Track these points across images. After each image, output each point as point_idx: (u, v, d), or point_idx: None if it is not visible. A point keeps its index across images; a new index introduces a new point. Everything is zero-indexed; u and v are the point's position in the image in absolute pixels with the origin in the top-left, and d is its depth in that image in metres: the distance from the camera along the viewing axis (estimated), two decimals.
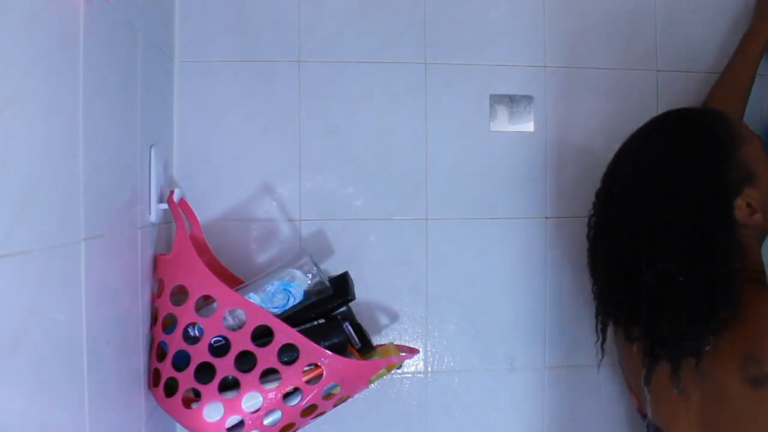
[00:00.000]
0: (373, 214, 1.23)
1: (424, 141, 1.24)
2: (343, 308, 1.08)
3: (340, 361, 0.93)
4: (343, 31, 1.22)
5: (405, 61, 1.24)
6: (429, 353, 1.26)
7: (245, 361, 0.92)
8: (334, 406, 1.00)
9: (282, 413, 0.93)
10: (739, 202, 0.89)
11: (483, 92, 1.26)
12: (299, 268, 1.03)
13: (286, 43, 1.21)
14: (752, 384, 0.83)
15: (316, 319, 1.04)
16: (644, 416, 1.04)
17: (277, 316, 0.96)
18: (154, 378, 0.96)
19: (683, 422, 0.94)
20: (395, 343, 1.17)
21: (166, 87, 1.14)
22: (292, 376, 0.92)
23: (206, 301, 0.98)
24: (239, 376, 0.92)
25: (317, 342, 0.93)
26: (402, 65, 1.24)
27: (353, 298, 1.08)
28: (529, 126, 1.27)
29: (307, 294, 1.02)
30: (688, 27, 1.31)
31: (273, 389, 0.92)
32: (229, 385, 0.93)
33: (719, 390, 0.87)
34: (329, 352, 0.92)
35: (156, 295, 0.98)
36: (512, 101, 1.27)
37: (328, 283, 1.05)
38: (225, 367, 0.92)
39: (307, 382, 0.93)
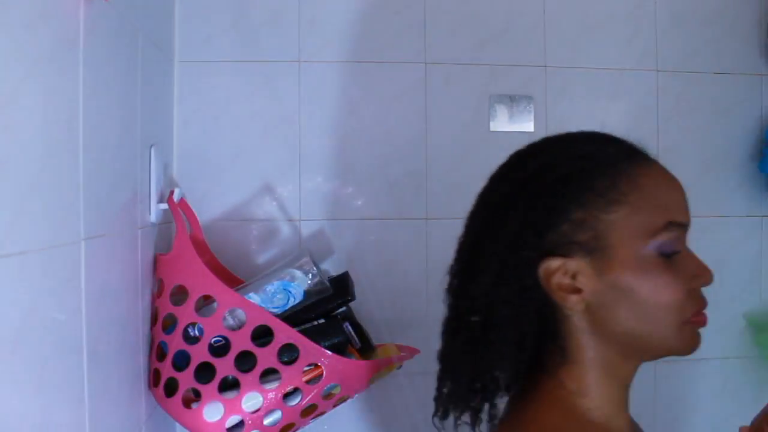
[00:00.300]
0: (373, 214, 1.23)
1: (424, 141, 1.24)
2: (343, 308, 1.08)
3: (340, 361, 0.93)
4: (343, 31, 1.22)
5: (405, 61, 1.24)
6: (429, 353, 1.25)
7: (245, 361, 0.92)
8: (334, 406, 1.00)
9: (282, 413, 0.93)
10: (554, 266, 0.61)
11: (483, 92, 1.26)
12: (299, 268, 1.03)
13: (286, 43, 1.21)
14: None
15: (316, 319, 1.04)
16: None
17: (277, 316, 0.96)
18: (154, 378, 0.96)
19: None
20: (395, 343, 1.17)
21: (166, 87, 1.14)
22: (292, 376, 0.92)
23: (206, 301, 0.98)
24: (239, 376, 0.92)
25: (317, 342, 0.93)
26: (402, 65, 1.24)
27: (353, 298, 1.08)
28: (529, 126, 1.27)
29: (307, 294, 1.02)
30: (688, 27, 1.31)
31: (273, 389, 0.92)
32: (229, 385, 0.93)
33: None
34: (329, 352, 0.92)
35: (156, 295, 0.98)
36: (512, 101, 1.26)
37: (328, 283, 1.05)
38: (225, 367, 0.92)
39: (307, 382, 0.93)
